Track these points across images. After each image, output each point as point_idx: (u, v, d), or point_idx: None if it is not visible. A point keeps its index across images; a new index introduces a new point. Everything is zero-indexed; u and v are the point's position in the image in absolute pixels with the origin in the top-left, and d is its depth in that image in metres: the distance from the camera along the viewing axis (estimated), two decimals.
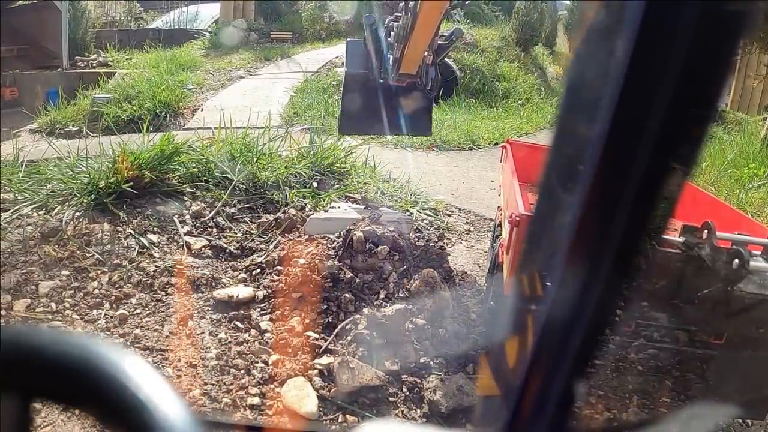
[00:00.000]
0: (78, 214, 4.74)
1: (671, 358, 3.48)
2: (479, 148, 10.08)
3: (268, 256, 4.48)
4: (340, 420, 3.35)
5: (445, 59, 13.12)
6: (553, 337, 0.57)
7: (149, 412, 0.53)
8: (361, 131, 5.74)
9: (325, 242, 4.43)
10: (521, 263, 0.70)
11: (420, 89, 5.13)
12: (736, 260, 2.92)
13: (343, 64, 12.95)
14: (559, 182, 0.61)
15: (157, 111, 10.60)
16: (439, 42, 4.74)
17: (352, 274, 4.12)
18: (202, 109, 11.07)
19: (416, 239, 4.92)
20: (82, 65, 15.00)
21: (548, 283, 0.58)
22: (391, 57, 4.84)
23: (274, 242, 4.68)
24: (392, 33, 4.86)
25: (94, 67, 14.64)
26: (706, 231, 3.02)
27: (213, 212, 5.08)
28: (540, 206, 0.66)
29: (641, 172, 0.50)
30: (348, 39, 5.69)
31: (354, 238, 4.28)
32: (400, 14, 4.77)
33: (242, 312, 4.00)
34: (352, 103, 5.29)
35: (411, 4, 4.21)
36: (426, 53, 4.66)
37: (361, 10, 17.36)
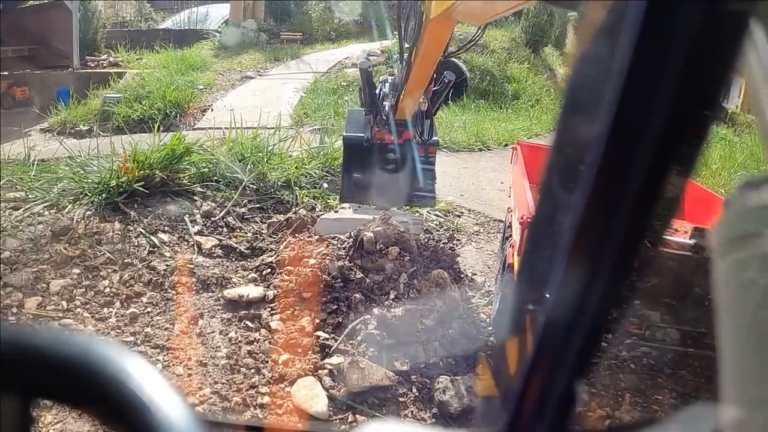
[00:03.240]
0: (89, 212, 4.77)
1: (682, 360, 3.48)
2: (489, 150, 10.07)
3: (278, 256, 4.49)
4: (349, 420, 3.35)
5: (455, 60, 13.15)
6: (554, 338, 0.57)
7: (150, 412, 0.53)
8: (362, 200, 5.61)
9: (335, 243, 4.44)
10: (522, 264, 0.71)
11: (420, 158, 5.16)
12: None
13: (352, 65, 12.96)
14: (560, 183, 0.62)
15: (168, 111, 10.61)
16: (433, 89, 4.80)
17: (362, 275, 4.13)
18: (212, 110, 11.08)
19: (426, 240, 4.93)
20: (93, 65, 15.05)
21: (549, 284, 0.58)
22: (387, 104, 4.87)
23: (285, 242, 4.69)
24: (387, 84, 4.93)
25: (104, 67, 14.69)
26: None
27: (223, 212, 5.10)
28: (541, 207, 0.67)
29: (642, 172, 0.50)
30: (348, 108, 5.65)
31: (364, 238, 4.28)
32: (392, 76, 4.91)
33: (252, 311, 4.01)
34: (350, 168, 5.22)
35: (406, 55, 4.26)
36: (422, 100, 4.73)
37: (369, 11, 17.41)
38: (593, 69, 0.57)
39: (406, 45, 4.29)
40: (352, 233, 4.45)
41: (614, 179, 0.51)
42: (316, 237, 4.62)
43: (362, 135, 5.10)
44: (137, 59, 15.26)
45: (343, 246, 4.39)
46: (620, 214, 0.52)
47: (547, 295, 0.59)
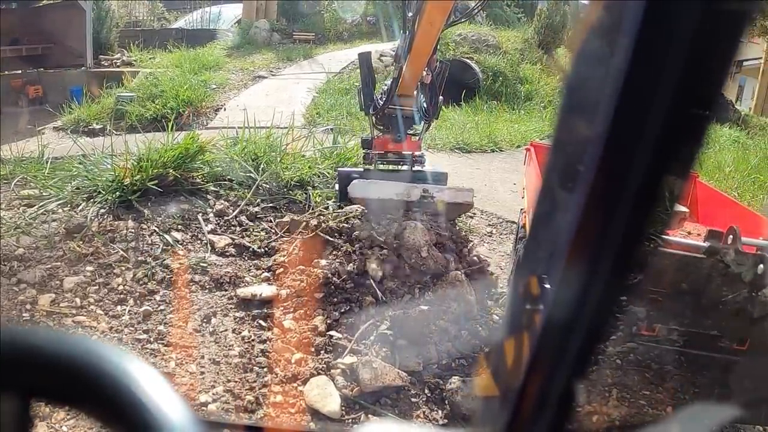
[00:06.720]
0: (103, 210, 4.78)
1: (694, 363, 3.47)
2: (501, 151, 10.05)
3: (291, 255, 4.49)
4: (362, 420, 3.35)
5: (467, 60, 13.14)
6: (553, 338, 0.58)
7: (149, 412, 0.54)
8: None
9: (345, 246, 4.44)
10: (521, 263, 0.71)
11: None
12: (761, 266, 2.90)
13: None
14: (559, 182, 0.62)
15: (181, 110, 10.64)
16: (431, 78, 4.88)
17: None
18: (224, 109, 11.12)
19: (441, 241, 4.91)
20: (106, 64, 15.12)
21: (548, 283, 0.59)
22: (391, 80, 4.92)
23: (295, 243, 4.69)
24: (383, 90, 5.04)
25: (117, 66, 14.76)
26: (731, 236, 3.01)
27: (236, 211, 5.10)
28: (540, 206, 0.67)
29: (641, 172, 0.50)
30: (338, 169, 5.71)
31: (369, 269, 4.26)
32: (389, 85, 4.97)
33: (265, 310, 4.02)
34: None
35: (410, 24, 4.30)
36: (425, 72, 4.75)
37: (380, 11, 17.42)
38: (592, 69, 0.57)
39: (410, 14, 4.29)
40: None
41: (613, 179, 0.52)
42: (352, 203, 4.68)
43: (352, 170, 5.27)
44: (150, 58, 15.34)
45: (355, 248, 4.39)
46: (619, 213, 0.52)
47: (547, 295, 0.59)
